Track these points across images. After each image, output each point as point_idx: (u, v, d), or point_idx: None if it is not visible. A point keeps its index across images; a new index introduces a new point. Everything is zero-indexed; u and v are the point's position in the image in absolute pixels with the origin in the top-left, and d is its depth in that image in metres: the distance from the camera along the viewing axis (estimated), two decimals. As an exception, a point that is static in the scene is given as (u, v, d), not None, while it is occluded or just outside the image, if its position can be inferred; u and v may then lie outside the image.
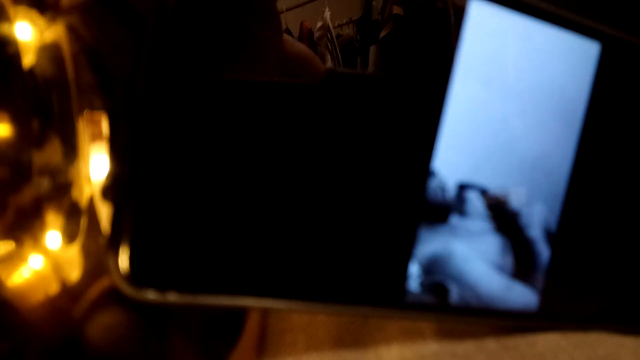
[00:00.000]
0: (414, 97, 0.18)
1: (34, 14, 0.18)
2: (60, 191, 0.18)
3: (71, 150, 0.18)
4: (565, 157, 0.21)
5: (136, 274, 0.15)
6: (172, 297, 0.15)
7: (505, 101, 0.19)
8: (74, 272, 0.18)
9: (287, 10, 0.17)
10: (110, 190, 0.17)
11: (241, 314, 0.20)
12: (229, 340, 0.19)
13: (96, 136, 0.17)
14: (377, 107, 0.18)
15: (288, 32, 0.17)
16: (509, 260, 0.20)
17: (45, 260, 0.18)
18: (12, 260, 0.17)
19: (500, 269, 0.20)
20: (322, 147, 0.17)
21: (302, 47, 0.17)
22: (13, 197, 0.17)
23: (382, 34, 0.18)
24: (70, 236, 0.18)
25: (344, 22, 0.18)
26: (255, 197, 0.16)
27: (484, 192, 0.19)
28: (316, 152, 0.17)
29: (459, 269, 0.19)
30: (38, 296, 0.17)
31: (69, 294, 0.17)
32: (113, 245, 0.15)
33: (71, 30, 0.18)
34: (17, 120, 0.18)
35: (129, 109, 0.15)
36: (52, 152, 0.18)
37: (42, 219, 0.18)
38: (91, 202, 0.17)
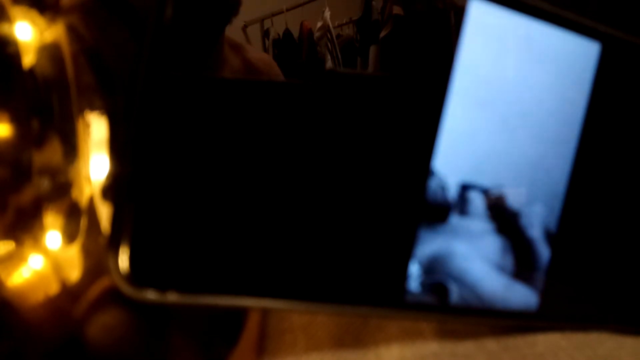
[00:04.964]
0: (414, 97, 0.18)
1: (34, 14, 0.18)
2: (60, 191, 0.18)
3: (71, 150, 0.18)
4: (565, 157, 0.20)
5: (136, 274, 0.15)
6: (172, 297, 0.15)
7: (505, 101, 0.19)
8: (74, 272, 0.18)
9: (287, 10, 0.17)
10: (110, 190, 0.17)
11: (241, 314, 0.20)
12: (229, 340, 0.19)
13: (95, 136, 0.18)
14: (377, 107, 0.18)
15: (288, 32, 0.17)
16: (509, 260, 0.20)
17: (45, 260, 0.18)
18: (12, 260, 0.17)
19: (501, 269, 0.20)
20: (323, 147, 0.17)
21: (261, 56, 0.17)
22: (13, 197, 0.17)
23: (382, 34, 0.18)
24: (70, 236, 0.18)
25: (344, 22, 0.18)
26: (255, 197, 0.16)
27: (483, 192, 0.19)
28: (316, 152, 0.17)
29: (459, 269, 0.19)
30: (38, 296, 0.17)
31: (69, 294, 0.17)
32: (113, 245, 0.15)
33: (71, 30, 0.18)
34: (17, 120, 0.18)
35: (129, 109, 0.15)
36: (52, 152, 0.18)
37: (42, 219, 0.18)
38: (91, 202, 0.17)
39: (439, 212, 0.19)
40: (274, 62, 0.17)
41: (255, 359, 0.20)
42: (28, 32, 0.18)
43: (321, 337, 0.21)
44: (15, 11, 0.18)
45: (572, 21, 0.20)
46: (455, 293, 0.19)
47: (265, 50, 0.17)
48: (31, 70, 0.18)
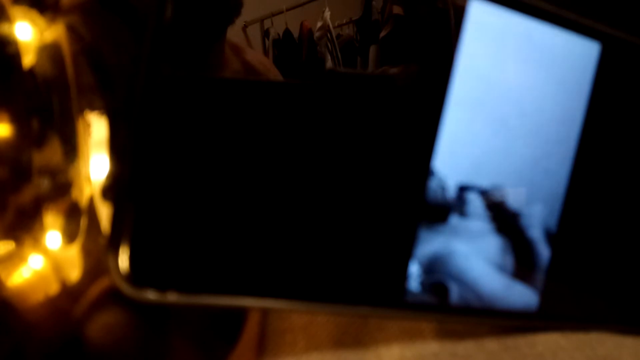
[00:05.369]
0: (414, 97, 0.18)
1: (34, 14, 0.18)
2: (60, 191, 0.18)
3: (71, 150, 0.18)
4: (565, 157, 0.21)
5: (136, 274, 0.15)
6: (172, 297, 0.15)
7: (504, 101, 0.19)
8: (74, 272, 0.18)
9: (287, 10, 0.17)
10: (110, 190, 0.17)
11: (241, 314, 0.20)
12: (229, 340, 0.19)
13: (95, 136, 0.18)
14: (377, 107, 0.18)
15: (288, 32, 0.17)
16: (509, 260, 0.20)
17: (45, 260, 0.18)
18: (12, 260, 0.17)
19: (501, 269, 0.20)
20: (323, 147, 0.17)
21: (260, 58, 0.17)
22: (13, 197, 0.17)
23: (382, 34, 0.18)
24: (70, 236, 0.18)
25: (344, 22, 0.18)
26: (255, 197, 0.16)
27: (483, 192, 0.19)
28: (316, 152, 0.17)
29: (459, 269, 0.19)
30: (38, 296, 0.17)
31: (69, 294, 0.17)
32: (113, 245, 0.15)
33: (71, 30, 0.18)
34: (17, 120, 0.18)
35: (129, 109, 0.15)
36: (52, 152, 0.18)
37: (42, 219, 0.18)
38: (91, 202, 0.17)
39: (438, 212, 0.19)
40: (273, 65, 0.17)
41: (255, 359, 0.20)
42: (28, 32, 0.18)
43: (321, 337, 0.21)
44: (15, 11, 0.18)
45: (572, 21, 0.20)
46: (455, 293, 0.19)
47: (265, 50, 0.17)
48: (31, 70, 0.18)
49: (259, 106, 0.16)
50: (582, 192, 0.21)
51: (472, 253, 0.19)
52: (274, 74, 0.17)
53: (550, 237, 0.21)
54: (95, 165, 0.18)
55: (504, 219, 0.20)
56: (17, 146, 0.17)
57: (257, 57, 0.17)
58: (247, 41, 0.17)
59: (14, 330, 0.17)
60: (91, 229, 0.18)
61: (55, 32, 0.18)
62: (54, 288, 0.17)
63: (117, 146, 0.17)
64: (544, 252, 0.21)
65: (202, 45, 0.16)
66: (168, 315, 0.18)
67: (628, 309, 0.22)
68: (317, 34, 0.18)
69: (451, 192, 0.19)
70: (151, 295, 0.15)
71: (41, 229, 0.18)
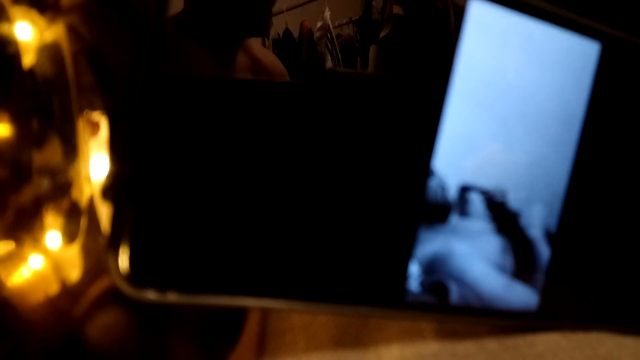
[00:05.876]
0: (414, 97, 0.18)
1: (34, 14, 0.18)
2: (60, 191, 0.18)
3: (71, 150, 0.18)
4: (565, 157, 0.20)
5: (136, 274, 0.15)
6: (172, 297, 0.15)
7: (505, 101, 0.19)
8: (74, 272, 0.18)
9: (287, 10, 0.17)
10: (110, 190, 0.17)
11: (241, 314, 0.20)
12: (229, 340, 0.19)
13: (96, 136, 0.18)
14: (377, 107, 0.18)
15: (288, 32, 0.17)
16: (509, 260, 0.20)
17: (45, 260, 0.18)
18: (12, 260, 0.17)
19: (501, 268, 0.20)
20: (323, 147, 0.17)
21: (269, 55, 0.17)
22: (13, 197, 0.17)
23: (382, 34, 0.18)
24: (70, 236, 0.18)
25: (344, 22, 0.18)
26: (255, 197, 0.16)
27: (483, 193, 0.19)
28: (316, 152, 0.17)
29: (459, 269, 0.19)
30: (38, 296, 0.17)
31: (69, 294, 0.17)
32: (113, 245, 0.15)
33: (71, 30, 0.18)
34: (17, 120, 0.18)
35: (128, 109, 0.15)
36: (52, 152, 0.18)
37: (42, 219, 0.18)
38: (91, 202, 0.17)
39: (439, 212, 0.19)
40: (279, 61, 0.17)
41: (255, 359, 0.20)
42: (28, 32, 0.18)
43: (321, 337, 0.21)
44: (15, 11, 0.18)
45: (572, 21, 0.20)
46: (455, 293, 0.19)
47: (265, 50, 0.17)
48: (31, 70, 0.18)
49: (259, 106, 0.16)
50: (582, 192, 0.21)
51: (472, 253, 0.19)
52: (279, 67, 0.17)
53: (550, 237, 0.21)
54: (95, 165, 0.18)
55: (504, 219, 0.20)
56: (17, 146, 0.17)
57: (263, 51, 0.17)
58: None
59: (14, 330, 0.17)
60: (91, 229, 0.18)
61: (55, 32, 0.18)
62: (54, 288, 0.17)
63: (117, 146, 0.17)
64: (544, 252, 0.21)
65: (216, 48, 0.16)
66: (168, 315, 0.18)
67: (628, 309, 0.22)
68: (317, 34, 0.18)
69: (452, 192, 0.19)
70: (151, 295, 0.15)
71: (41, 229, 0.18)
